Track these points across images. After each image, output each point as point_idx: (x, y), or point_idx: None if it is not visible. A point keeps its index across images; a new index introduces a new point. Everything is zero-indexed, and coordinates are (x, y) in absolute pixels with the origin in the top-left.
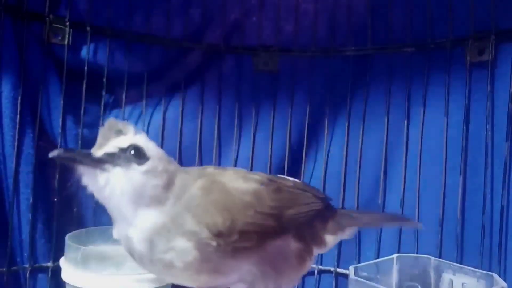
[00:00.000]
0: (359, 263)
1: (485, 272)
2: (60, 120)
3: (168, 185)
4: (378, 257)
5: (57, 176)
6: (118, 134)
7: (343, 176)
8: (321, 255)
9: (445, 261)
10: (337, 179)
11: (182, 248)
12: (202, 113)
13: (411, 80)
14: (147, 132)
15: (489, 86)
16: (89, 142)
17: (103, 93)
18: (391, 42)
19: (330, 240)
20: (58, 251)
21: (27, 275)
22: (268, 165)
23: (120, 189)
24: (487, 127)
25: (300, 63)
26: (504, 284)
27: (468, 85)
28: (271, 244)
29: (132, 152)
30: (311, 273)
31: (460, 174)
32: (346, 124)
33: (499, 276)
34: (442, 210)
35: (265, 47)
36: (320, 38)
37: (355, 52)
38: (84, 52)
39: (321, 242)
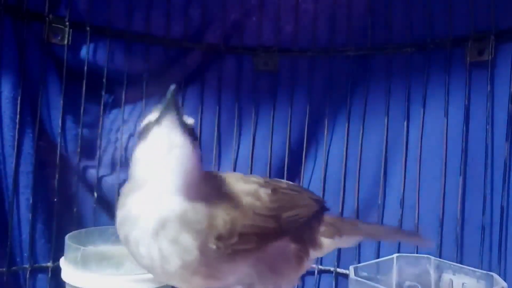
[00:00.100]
0: (359, 263)
1: (485, 272)
2: (60, 120)
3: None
4: (378, 257)
5: (57, 176)
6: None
7: (343, 176)
8: None
9: (445, 261)
10: (337, 178)
11: (186, 245)
12: (202, 113)
13: (411, 80)
14: None
15: (489, 86)
16: (89, 142)
17: (103, 93)
18: (390, 42)
19: (326, 243)
20: (58, 251)
21: (27, 275)
22: (268, 165)
23: (183, 155)
24: (487, 127)
25: (300, 63)
26: (504, 284)
27: (468, 85)
28: (270, 246)
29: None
30: (311, 273)
31: (460, 174)
32: (346, 124)
33: (499, 276)
34: (442, 210)
35: (265, 47)
36: (320, 38)
37: (355, 52)
38: (84, 52)
39: (316, 244)
